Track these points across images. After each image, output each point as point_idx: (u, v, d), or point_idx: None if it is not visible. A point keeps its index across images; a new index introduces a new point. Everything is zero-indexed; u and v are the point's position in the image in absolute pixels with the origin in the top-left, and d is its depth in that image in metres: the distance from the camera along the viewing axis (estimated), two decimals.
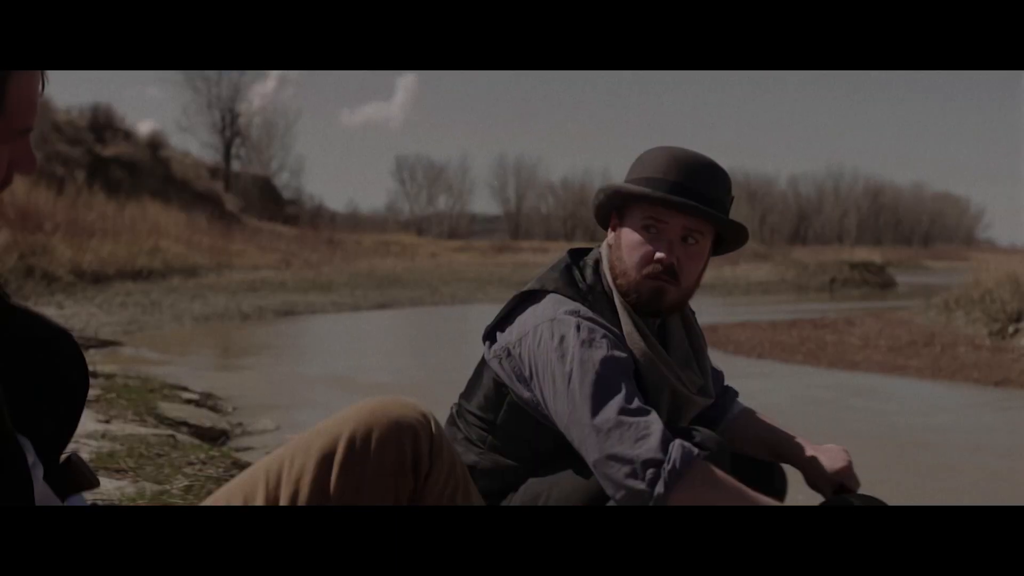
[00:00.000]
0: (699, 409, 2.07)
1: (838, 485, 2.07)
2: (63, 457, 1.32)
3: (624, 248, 1.97)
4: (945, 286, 17.68)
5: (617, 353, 1.86)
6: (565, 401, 1.83)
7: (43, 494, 1.24)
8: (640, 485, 1.74)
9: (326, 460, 1.53)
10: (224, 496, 1.59)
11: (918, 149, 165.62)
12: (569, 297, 1.94)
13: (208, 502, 1.62)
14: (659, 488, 1.73)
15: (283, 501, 1.53)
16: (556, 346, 1.86)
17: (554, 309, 1.91)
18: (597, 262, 2.03)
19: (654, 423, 1.78)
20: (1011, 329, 11.92)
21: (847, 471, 2.08)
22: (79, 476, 1.32)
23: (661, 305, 1.97)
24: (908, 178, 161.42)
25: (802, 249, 56.25)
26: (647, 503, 1.74)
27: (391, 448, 1.53)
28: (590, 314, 1.91)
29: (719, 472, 1.78)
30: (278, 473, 1.55)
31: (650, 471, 1.74)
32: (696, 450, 1.77)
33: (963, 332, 12.57)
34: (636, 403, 1.81)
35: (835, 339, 11.99)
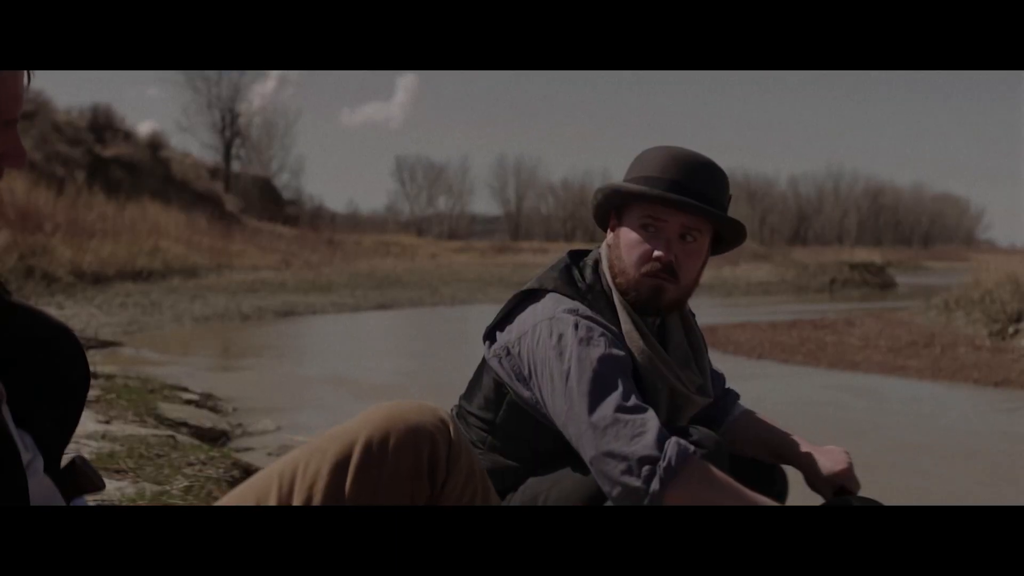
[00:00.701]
0: (698, 408, 2.07)
1: (838, 487, 2.07)
2: (68, 459, 1.32)
3: (623, 247, 1.97)
4: (945, 287, 17.68)
5: (615, 351, 1.87)
6: (563, 399, 1.83)
7: (46, 487, 1.25)
8: (636, 482, 1.74)
9: (341, 465, 1.49)
10: (236, 499, 1.56)
11: (918, 149, 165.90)
12: (568, 296, 1.95)
13: (220, 504, 1.60)
14: (654, 485, 1.73)
15: (296, 505, 1.50)
16: (554, 344, 1.86)
17: (553, 308, 1.92)
18: (596, 262, 2.04)
19: (651, 420, 1.78)
20: (1011, 330, 11.92)
21: (848, 473, 2.08)
22: (83, 479, 1.32)
23: (660, 303, 1.97)
24: (908, 178, 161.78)
25: (802, 250, 56.33)
26: (642, 500, 1.74)
27: (408, 454, 1.50)
28: (589, 312, 1.91)
29: (715, 470, 1.78)
30: (291, 477, 1.51)
31: (646, 468, 1.74)
32: (692, 448, 1.77)
33: (963, 333, 12.57)
34: (633, 400, 1.81)
35: (835, 340, 11.99)
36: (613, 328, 1.92)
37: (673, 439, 1.76)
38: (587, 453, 1.80)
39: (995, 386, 8.58)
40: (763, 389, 7.96)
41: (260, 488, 1.54)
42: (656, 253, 1.94)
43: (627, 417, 1.78)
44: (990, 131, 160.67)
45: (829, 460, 2.08)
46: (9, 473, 1.16)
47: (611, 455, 1.77)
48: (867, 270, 30.41)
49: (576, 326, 1.87)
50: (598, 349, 1.85)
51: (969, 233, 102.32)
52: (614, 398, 1.80)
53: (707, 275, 2.05)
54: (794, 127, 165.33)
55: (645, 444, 1.75)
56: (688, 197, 1.91)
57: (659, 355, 1.96)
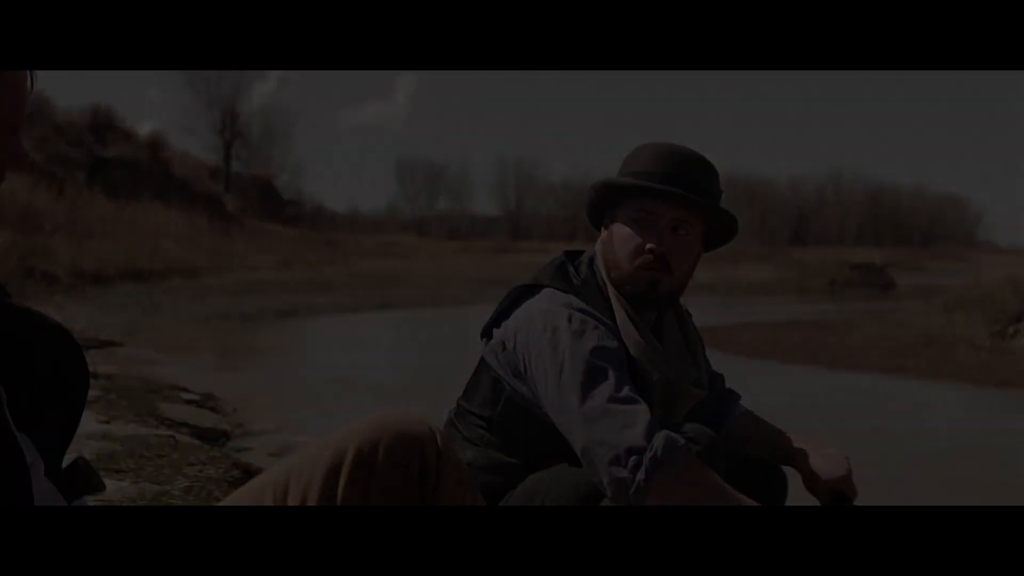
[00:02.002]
0: (695, 401, 2.07)
1: (836, 492, 2.06)
2: (70, 460, 1.32)
3: (616, 242, 1.99)
4: (945, 287, 17.69)
5: (608, 343, 1.87)
6: (556, 391, 1.84)
7: (47, 490, 1.24)
8: (622, 472, 1.74)
9: (333, 472, 1.54)
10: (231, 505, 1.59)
11: (918, 149, 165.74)
12: (563, 291, 1.96)
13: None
14: (640, 475, 1.73)
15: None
16: (549, 338, 1.87)
17: (548, 302, 1.93)
18: (591, 258, 2.05)
19: (642, 412, 1.78)
20: (1011, 330, 11.92)
21: (846, 479, 2.07)
22: (85, 480, 1.32)
23: (655, 295, 1.98)
24: (908, 178, 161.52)
25: (802, 250, 56.35)
26: (629, 490, 1.74)
27: (398, 460, 1.54)
28: (583, 306, 1.92)
29: (704, 467, 1.78)
30: (285, 485, 1.56)
31: (633, 458, 1.74)
32: (682, 440, 1.77)
33: (963, 333, 12.56)
34: (625, 392, 1.81)
35: (835, 340, 12.00)
36: (607, 321, 1.93)
37: (663, 431, 1.76)
38: (577, 443, 1.81)
39: (995, 387, 8.58)
40: (763, 389, 7.95)
41: (255, 495, 1.58)
42: (649, 245, 1.95)
43: (618, 408, 1.78)
44: (990, 131, 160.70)
45: (828, 465, 2.08)
46: (15, 475, 1.16)
47: (600, 444, 1.77)
48: (867, 271, 30.46)
49: (570, 319, 1.88)
50: (591, 341, 1.85)
51: (969, 233, 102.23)
52: (606, 389, 1.80)
53: (707, 275, 2.07)
54: (794, 127, 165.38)
55: (634, 434, 1.75)
56: (678, 189, 1.93)
57: (654, 347, 1.97)
